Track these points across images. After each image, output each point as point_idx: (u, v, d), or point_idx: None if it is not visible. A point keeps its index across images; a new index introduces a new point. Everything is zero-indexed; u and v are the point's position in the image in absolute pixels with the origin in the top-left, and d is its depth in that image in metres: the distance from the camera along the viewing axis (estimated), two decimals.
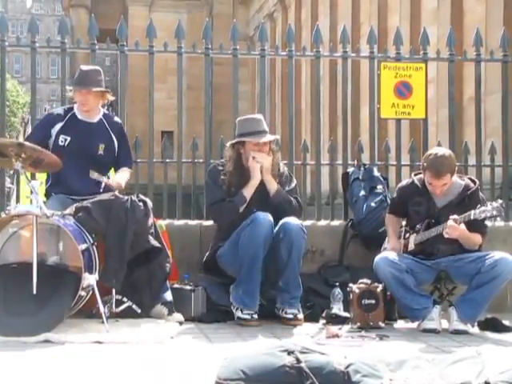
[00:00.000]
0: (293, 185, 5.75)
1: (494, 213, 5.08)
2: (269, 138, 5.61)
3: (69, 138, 5.63)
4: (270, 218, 5.37)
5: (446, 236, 5.22)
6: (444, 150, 5.42)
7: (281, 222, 5.43)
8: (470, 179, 5.53)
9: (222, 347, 4.52)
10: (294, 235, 5.36)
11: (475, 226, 5.26)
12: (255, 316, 5.33)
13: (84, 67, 5.80)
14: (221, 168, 5.65)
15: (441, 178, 5.25)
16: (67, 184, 5.58)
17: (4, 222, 5.04)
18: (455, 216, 5.19)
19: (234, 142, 5.64)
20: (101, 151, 5.68)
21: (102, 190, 5.53)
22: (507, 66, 6.93)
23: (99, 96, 5.71)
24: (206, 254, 5.70)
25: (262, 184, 5.58)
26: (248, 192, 5.54)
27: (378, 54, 6.88)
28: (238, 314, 5.36)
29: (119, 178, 5.65)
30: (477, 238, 5.34)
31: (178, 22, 6.64)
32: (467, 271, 5.26)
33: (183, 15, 26.95)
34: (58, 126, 5.65)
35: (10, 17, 64.69)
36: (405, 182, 5.76)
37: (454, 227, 5.17)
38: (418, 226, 5.47)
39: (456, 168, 5.38)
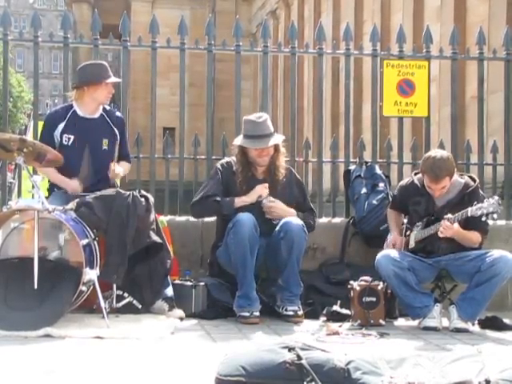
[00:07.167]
0: (306, 196, 5.84)
1: (491, 209, 5.06)
2: (272, 142, 5.53)
3: (72, 137, 5.58)
4: (252, 217, 5.32)
5: (440, 235, 5.22)
6: (442, 153, 5.36)
7: (282, 222, 5.42)
8: (470, 177, 5.50)
9: (222, 343, 4.53)
10: (294, 235, 5.34)
11: (474, 224, 5.25)
12: (255, 313, 5.30)
13: (99, 62, 5.80)
14: (231, 165, 5.65)
15: (439, 183, 5.22)
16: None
17: (5, 217, 5.04)
18: (449, 215, 5.18)
19: (238, 143, 5.60)
20: (105, 146, 5.65)
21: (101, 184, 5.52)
22: (510, 65, 6.92)
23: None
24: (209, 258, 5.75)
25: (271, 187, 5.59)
26: (239, 203, 5.49)
27: (380, 51, 6.88)
28: (240, 312, 5.35)
29: (118, 169, 5.63)
30: (475, 236, 5.32)
31: (181, 18, 6.62)
32: (467, 270, 5.25)
33: (186, 12, 26.87)
34: (61, 126, 5.59)
35: (13, 12, 64.63)
36: (405, 181, 5.73)
37: (447, 226, 5.16)
38: (417, 223, 5.47)
39: (455, 169, 5.34)
